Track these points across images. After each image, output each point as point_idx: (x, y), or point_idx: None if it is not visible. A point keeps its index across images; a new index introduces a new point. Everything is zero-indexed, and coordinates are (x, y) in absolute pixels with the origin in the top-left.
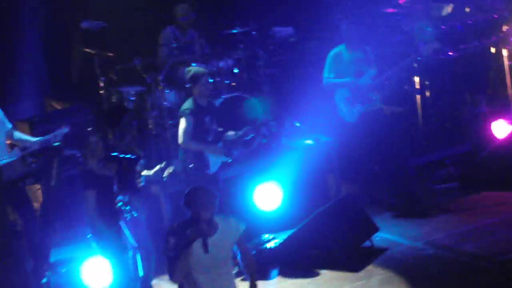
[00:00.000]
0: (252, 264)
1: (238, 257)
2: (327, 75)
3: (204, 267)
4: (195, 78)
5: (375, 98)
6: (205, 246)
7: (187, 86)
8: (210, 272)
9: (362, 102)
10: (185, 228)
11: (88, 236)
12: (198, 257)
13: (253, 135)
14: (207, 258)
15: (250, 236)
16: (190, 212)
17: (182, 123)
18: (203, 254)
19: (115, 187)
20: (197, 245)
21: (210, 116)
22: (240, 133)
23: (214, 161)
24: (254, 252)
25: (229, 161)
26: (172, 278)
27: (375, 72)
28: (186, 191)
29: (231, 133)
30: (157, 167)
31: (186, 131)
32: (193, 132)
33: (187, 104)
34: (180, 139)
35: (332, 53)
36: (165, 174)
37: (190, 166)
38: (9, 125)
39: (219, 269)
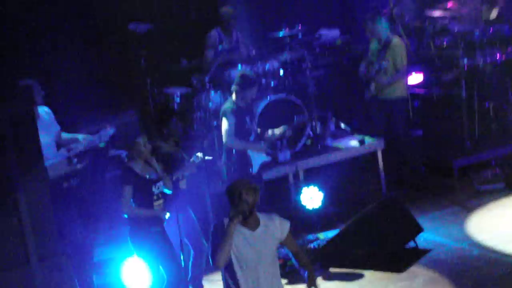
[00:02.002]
0: (306, 260)
1: (292, 257)
2: None
3: (249, 263)
4: (246, 82)
5: None
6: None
7: (234, 86)
8: (254, 269)
9: None
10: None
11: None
12: (243, 253)
13: (291, 134)
14: (251, 253)
15: (295, 236)
16: (232, 203)
17: (225, 123)
18: (248, 249)
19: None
20: (241, 241)
21: (250, 117)
22: (278, 131)
23: (257, 161)
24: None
25: (270, 160)
26: (215, 262)
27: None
28: (229, 185)
29: (270, 132)
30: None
31: (229, 130)
32: (236, 131)
33: (228, 104)
34: (224, 138)
35: None
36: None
37: (234, 165)
38: (58, 127)
39: (264, 267)
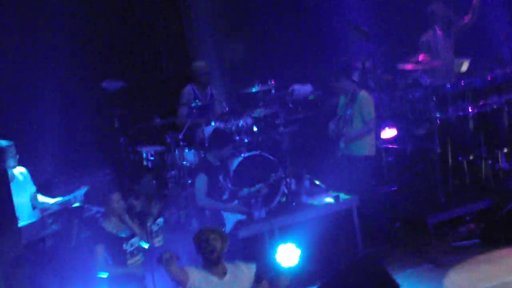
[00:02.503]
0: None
1: None
2: None
3: None
4: (220, 139)
5: None
6: None
7: (208, 144)
8: None
9: None
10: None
11: None
12: None
13: (266, 192)
14: None
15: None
16: (199, 249)
17: (197, 183)
18: None
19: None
20: None
21: (224, 175)
22: (253, 189)
23: (230, 219)
24: None
25: (244, 218)
26: None
27: None
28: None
29: (245, 190)
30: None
31: (201, 190)
32: (208, 191)
33: (201, 163)
34: (196, 198)
35: None
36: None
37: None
38: (34, 188)
39: None
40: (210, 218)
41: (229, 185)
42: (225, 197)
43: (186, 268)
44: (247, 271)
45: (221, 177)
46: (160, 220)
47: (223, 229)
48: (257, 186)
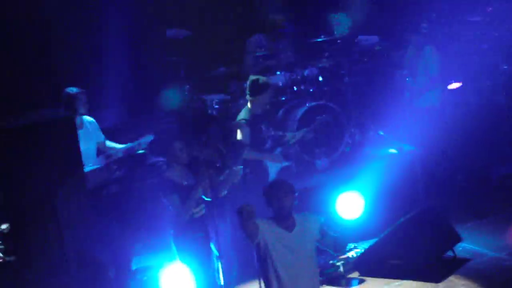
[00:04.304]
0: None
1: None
2: None
3: (289, 263)
4: (257, 88)
5: None
6: None
7: (247, 93)
8: (294, 270)
9: None
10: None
11: (172, 242)
12: (283, 254)
13: (312, 136)
14: (289, 255)
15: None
16: (270, 205)
17: (238, 134)
18: (286, 251)
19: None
20: (279, 243)
21: (267, 123)
22: (298, 135)
23: (274, 169)
24: (336, 262)
25: (285, 165)
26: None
27: None
28: (266, 185)
29: (290, 136)
30: None
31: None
32: (250, 141)
33: (242, 114)
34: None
35: None
36: None
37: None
38: (102, 137)
39: (303, 268)
40: (252, 168)
41: (272, 133)
42: (267, 145)
43: (257, 222)
44: (314, 223)
45: (263, 127)
46: (226, 171)
47: (289, 182)
48: (301, 131)
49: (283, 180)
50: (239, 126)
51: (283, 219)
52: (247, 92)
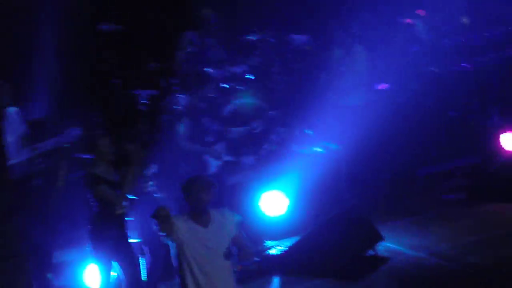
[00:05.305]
0: (249, 253)
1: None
2: None
3: (203, 259)
4: (202, 80)
5: None
6: None
7: (194, 88)
8: (208, 266)
9: None
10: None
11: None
12: (197, 250)
13: (259, 128)
14: (204, 251)
15: (246, 232)
16: (187, 199)
17: (181, 126)
18: (201, 247)
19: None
20: (194, 239)
21: (210, 117)
22: (243, 129)
23: (213, 164)
24: (256, 259)
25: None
26: None
27: None
28: (184, 180)
29: (234, 130)
30: None
31: (183, 133)
32: (191, 134)
33: (185, 106)
34: (178, 141)
35: None
36: None
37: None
38: (24, 127)
39: (218, 264)
40: (194, 162)
41: (215, 127)
42: (210, 139)
43: (173, 219)
44: (231, 220)
45: (206, 121)
46: (152, 166)
47: (209, 177)
48: (252, 125)
49: (202, 175)
50: (181, 116)
51: (199, 214)
52: (192, 84)
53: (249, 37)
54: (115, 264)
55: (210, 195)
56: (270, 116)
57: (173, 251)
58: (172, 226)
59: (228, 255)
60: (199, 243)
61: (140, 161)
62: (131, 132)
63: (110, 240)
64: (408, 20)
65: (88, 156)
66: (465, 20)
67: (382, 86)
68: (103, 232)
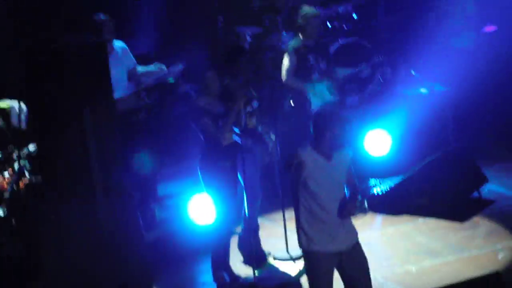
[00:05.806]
0: (356, 190)
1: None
2: None
3: (322, 192)
4: (306, 18)
5: None
6: None
7: (297, 25)
8: (327, 198)
9: None
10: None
11: (198, 169)
12: (319, 182)
13: (368, 72)
14: (327, 182)
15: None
16: (321, 134)
17: (285, 60)
18: (325, 178)
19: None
20: (318, 170)
21: (316, 55)
22: (354, 70)
23: (316, 102)
24: (360, 198)
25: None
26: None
27: None
28: (317, 112)
29: (341, 71)
30: None
31: (288, 68)
32: (295, 70)
33: (292, 42)
34: (283, 75)
35: None
36: None
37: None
38: (133, 61)
39: (335, 197)
40: (294, 97)
41: (322, 66)
42: (314, 77)
43: (299, 152)
44: (347, 154)
45: (311, 57)
46: (255, 102)
47: (343, 112)
48: (359, 67)
49: (335, 110)
50: (287, 51)
51: (323, 148)
52: (298, 21)
53: None
54: (219, 195)
55: (346, 131)
56: (376, 59)
57: (293, 179)
58: (300, 162)
59: (344, 190)
60: (322, 177)
61: (243, 97)
62: (235, 68)
63: (219, 170)
64: None
65: (193, 90)
66: None
67: (490, 28)
68: (212, 162)
